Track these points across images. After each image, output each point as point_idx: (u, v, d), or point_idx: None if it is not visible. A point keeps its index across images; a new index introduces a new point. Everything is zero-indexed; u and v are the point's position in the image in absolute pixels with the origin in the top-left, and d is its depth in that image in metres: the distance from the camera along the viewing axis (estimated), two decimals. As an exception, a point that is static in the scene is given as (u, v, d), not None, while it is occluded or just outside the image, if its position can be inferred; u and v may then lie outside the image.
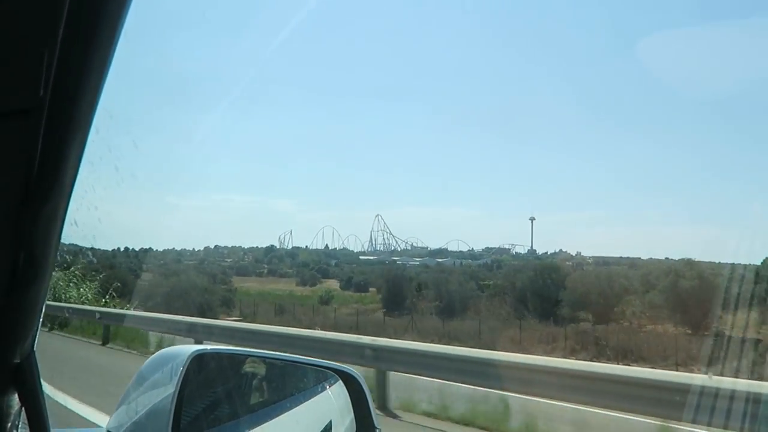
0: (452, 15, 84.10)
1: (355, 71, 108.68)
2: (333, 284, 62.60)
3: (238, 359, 2.02)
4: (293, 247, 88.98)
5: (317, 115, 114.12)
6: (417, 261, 76.29)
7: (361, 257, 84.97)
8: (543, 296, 38.11)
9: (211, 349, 1.87)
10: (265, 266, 67.30)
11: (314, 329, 14.87)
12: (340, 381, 2.14)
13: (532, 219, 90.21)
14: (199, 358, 1.77)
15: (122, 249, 75.03)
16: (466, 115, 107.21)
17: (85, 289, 20.81)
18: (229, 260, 72.27)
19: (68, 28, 0.71)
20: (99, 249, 59.97)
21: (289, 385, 2.13)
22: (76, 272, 21.50)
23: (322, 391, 2.18)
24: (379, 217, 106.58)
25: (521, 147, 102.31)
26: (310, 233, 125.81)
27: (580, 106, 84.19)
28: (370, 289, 57.78)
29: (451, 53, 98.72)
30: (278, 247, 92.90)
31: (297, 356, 2.14)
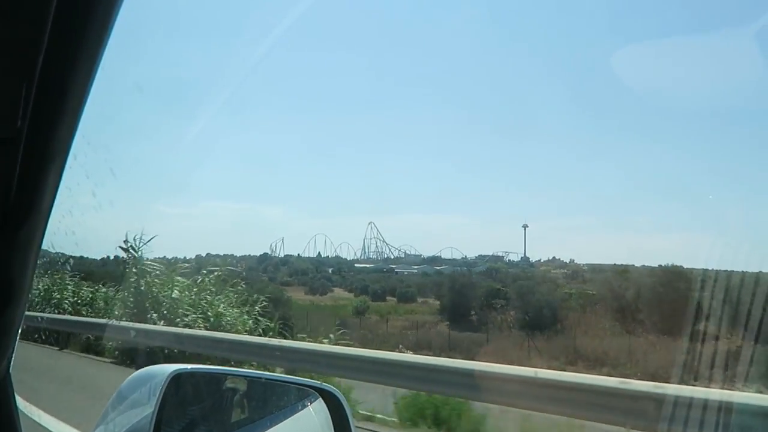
0: (443, 21, 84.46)
1: (344, 78, 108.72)
2: (341, 293, 61.31)
3: (217, 378, 2.03)
4: (285, 255, 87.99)
5: (307, 122, 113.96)
6: (415, 269, 75.35)
7: (356, 265, 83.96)
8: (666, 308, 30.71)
9: (190, 368, 1.89)
10: (263, 275, 66.28)
11: (400, 351, 13.00)
12: (321, 399, 2.15)
13: (525, 226, 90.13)
14: (178, 378, 1.78)
15: (111, 257, 74.37)
16: (459, 123, 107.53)
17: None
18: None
19: (47, 59, 0.74)
20: (88, 258, 60.03)
21: (269, 403, 2.14)
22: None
23: (302, 409, 2.19)
24: (372, 225, 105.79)
25: (514, 154, 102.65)
26: (301, 241, 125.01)
27: (574, 112, 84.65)
28: (419, 299, 54.22)
29: (445, 61, 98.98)
30: (270, 254, 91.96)
31: (276, 374, 2.16)
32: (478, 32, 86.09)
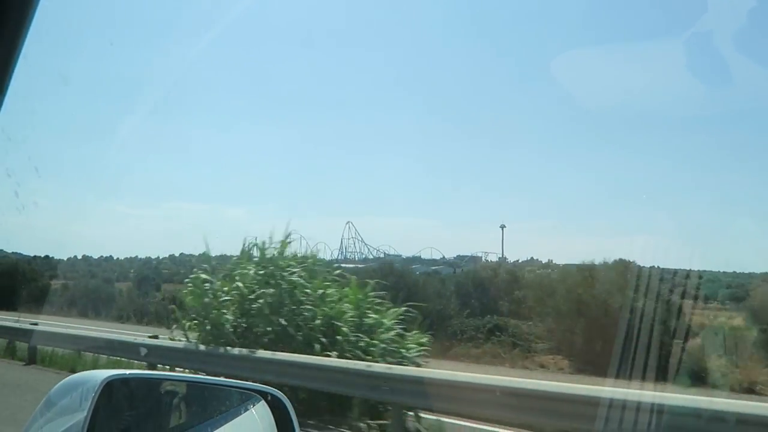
0: (411, 16, 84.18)
1: (313, 77, 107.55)
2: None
3: (155, 383, 1.99)
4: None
5: (270, 122, 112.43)
6: (433, 269, 74.11)
7: (342, 265, 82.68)
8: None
9: (128, 373, 1.85)
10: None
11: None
12: (264, 402, 2.14)
13: (503, 227, 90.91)
14: (112, 384, 1.74)
15: (80, 257, 72.08)
16: (435, 123, 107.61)
17: None
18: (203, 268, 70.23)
19: None
20: (56, 258, 57.53)
21: (210, 407, 2.12)
22: None
23: (245, 413, 2.17)
24: (350, 224, 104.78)
25: (492, 154, 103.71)
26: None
27: (554, 115, 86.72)
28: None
29: (418, 63, 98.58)
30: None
31: (217, 378, 2.13)
32: (450, 36, 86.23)
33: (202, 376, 2.18)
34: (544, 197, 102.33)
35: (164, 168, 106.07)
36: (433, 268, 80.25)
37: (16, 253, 49.71)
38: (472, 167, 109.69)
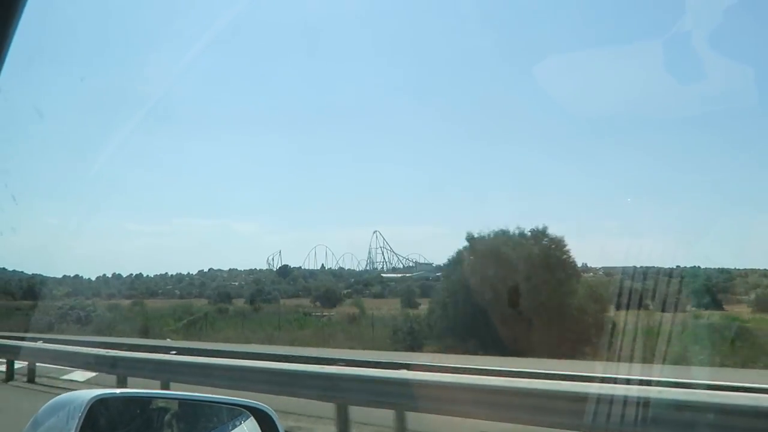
0: (437, 26, 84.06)
1: (310, 89, 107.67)
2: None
3: (144, 401, 2.04)
4: (289, 267, 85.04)
5: (277, 133, 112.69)
6: None
7: (383, 275, 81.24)
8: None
9: (118, 392, 1.89)
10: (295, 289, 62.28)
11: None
12: (252, 417, 2.17)
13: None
14: (99, 403, 1.78)
15: (109, 275, 72.06)
16: (455, 124, 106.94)
17: None
18: (236, 283, 69.26)
19: None
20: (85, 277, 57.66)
21: (199, 424, 2.18)
22: None
23: (234, 428, 2.21)
24: (378, 234, 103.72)
25: (518, 156, 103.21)
26: (292, 253, 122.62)
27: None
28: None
29: (426, 66, 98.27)
30: (267, 268, 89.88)
31: (206, 395, 2.17)
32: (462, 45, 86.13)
33: (191, 394, 2.21)
34: (547, 198, 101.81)
35: (171, 185, 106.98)
36: None
37: (37, 274, 50.18)
38: (496, 168, 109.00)
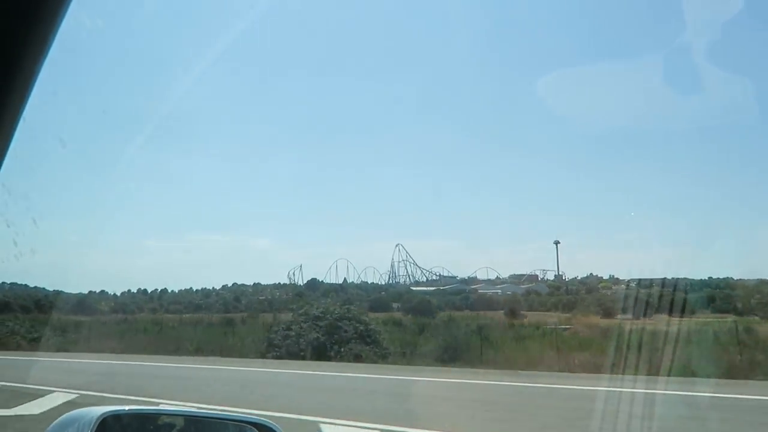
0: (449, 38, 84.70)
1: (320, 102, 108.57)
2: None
3: (151, 418, 2.09)
4: (318, 281, 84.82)
5: (290, 149, 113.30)
6: (498, 289, 70.71)
7: (412, 288, 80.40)
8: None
9: (122, 409, 1.93)
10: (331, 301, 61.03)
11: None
12: (259, 434, 2.21)
13: (557, 243, 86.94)
14: (108, 420, 1.83)
15: (134, 290, 72.32)
16: (466, 138, 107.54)
17: None
18: (261, 297, 69.56)
19: None
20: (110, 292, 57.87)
21: (206, 440, 2.20)
22: None
23: (240, 445, 2.25)
24: (400, 247, 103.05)
25: (537, 170, 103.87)
26: (310, 268, 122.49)
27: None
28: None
29: (438, 79, 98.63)
30: (289, 283, 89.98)
31: (213, 411, 2.22)
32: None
33: (198, 410, 2.26)
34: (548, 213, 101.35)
35: (184, 201, 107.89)
36: (499, 288, 77.34)
37: (58, 290, 50.80)
38: (519, 182, 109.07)
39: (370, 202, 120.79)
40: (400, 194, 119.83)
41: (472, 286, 78.78)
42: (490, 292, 66.61)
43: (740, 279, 47.34)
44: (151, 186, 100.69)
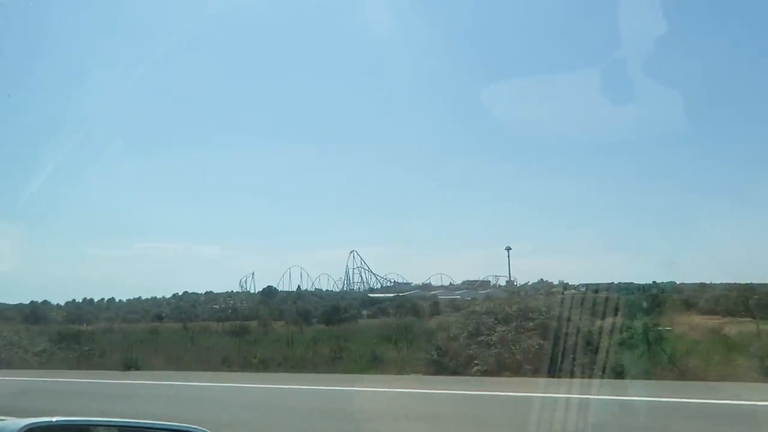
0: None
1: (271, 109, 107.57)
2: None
3: (80, 429, 2.07)
4: (274, 288, 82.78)
5: (238, 156, 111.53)
6: (458, 294, 70.10)
7: (369, 294, 79.46)
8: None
9: (48, 420, 1.88)
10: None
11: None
12: (193, 442, 2.21)
13: (509, 249, 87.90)
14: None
15: (79, 300, 69.72)
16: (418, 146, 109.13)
17: None
18: (217, 307, 66.98)
19: None
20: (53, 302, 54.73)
21: (139, 451, 2.19)
22: None
23: (174, 454, 2.25)
24: (355, 253, 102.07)
25: (486, 177, 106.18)
26: (261, 276, 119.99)
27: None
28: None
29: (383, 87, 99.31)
30: (241, 290, 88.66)
31: (146, 421, 2.22)
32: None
33: (131, 420, 2.24)
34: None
35: (133, 208, 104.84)
36: (457, 293, 77.40)
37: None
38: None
39: (322, 209, 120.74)
40: (351, 201, 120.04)
41: (431, 293, 78.64)
42: (449, 297, 66.25)
43: (682, 283, 48.68)
44: (90, 191, 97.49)
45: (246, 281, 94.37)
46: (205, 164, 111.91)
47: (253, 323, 36.08)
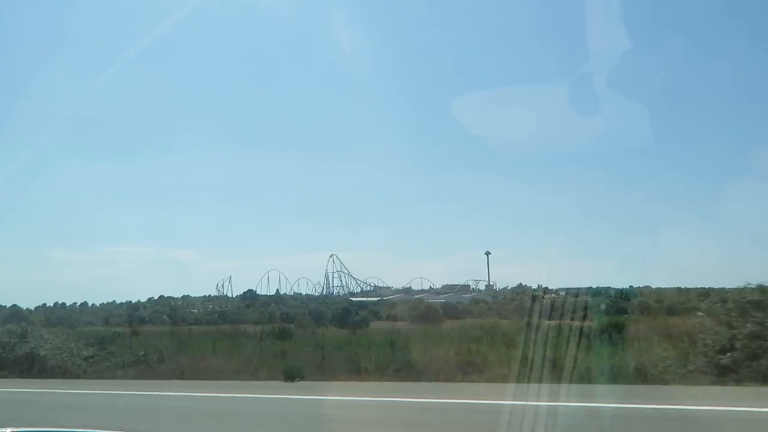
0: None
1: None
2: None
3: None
4: (255, 292, 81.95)
5: (220, 161, 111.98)
6: (443, 298, 69.95)
7: (351, 298, 79.62)
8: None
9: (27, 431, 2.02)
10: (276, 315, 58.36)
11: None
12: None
13: (488, 253, 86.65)
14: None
15: (50, 304, 67.90)
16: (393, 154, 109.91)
17: None
18: (196, 311, 66.03)
19: None
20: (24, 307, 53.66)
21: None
22: None
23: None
24: (335, 258, 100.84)
25: (469, 180, 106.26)
26: (238, 280, 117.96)
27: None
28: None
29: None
30: (218, 294, 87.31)
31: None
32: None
33: (92, 430, 2.40)
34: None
35: (102, 212, 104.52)
36: (442, 297, 75.86)
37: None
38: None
39: (298, 215, 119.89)
40: (330, 205, 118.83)
41: (415, 296, 77.43)
42: (438, 301, 64.99)
43: (659, 287, 48.78)
44: (56, 195, 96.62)
45: (223, 285, 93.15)
46: (177, 169, 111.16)
47: (290, 326, 33.74)
